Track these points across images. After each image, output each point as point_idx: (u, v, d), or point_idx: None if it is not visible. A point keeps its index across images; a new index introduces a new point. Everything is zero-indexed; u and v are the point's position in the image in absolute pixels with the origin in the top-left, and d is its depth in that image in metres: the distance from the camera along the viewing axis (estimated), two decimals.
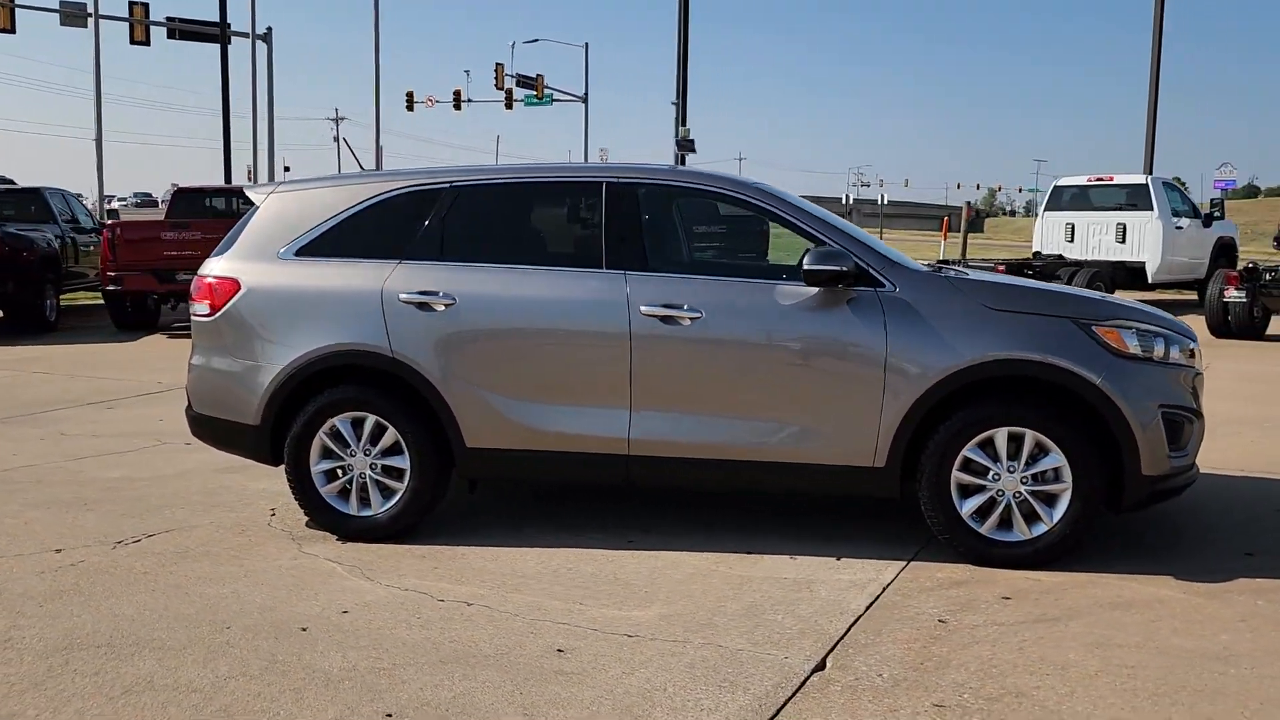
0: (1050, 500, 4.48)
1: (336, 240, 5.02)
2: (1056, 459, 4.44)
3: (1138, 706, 3.28)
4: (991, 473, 4.50)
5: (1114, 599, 4.19)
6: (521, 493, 5.74)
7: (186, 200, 16.24)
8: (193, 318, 5.22)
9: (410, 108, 47.34)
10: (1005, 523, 4.52)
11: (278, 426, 4.93)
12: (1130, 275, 16.09)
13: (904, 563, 4.58)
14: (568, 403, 4.78)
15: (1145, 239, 16.10)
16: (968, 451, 4.49)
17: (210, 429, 5.20)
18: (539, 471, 4.96)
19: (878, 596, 4.20)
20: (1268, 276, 13.21)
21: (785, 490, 5.07)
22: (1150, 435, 4.43)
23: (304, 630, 3.87)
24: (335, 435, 4.89)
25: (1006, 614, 4.04)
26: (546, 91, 45.90)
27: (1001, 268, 13.96)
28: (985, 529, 4.52)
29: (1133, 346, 4.49)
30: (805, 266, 4.53)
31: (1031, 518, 4.50)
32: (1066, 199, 17.48)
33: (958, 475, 4.51)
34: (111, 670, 3.52)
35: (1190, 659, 3.62)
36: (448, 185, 5.02)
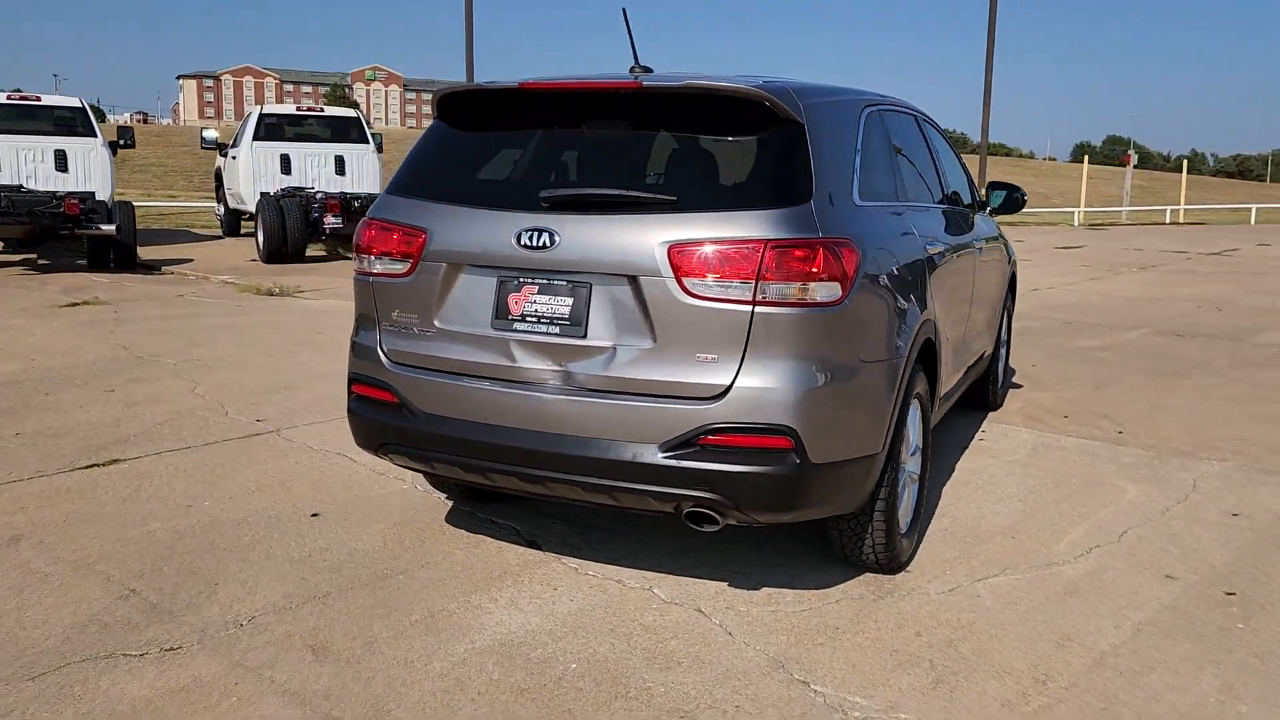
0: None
1: (866, 177, 3.70)
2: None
3: None
4: None
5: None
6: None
7: None
8: (777, 311, 3.09)
9: None
10: None
11: (891, 448, 3.52)
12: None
13: None
14: None
15: (364, 170, 17.05)
16: None
17: (839, 487, 3.30)
18: None
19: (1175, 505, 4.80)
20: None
21: None
22: None
23: None
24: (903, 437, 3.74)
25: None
26: None
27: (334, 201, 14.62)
28: None
29: None
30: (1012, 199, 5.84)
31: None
32: (271, 131, 16.93)
33: None
34: None
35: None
36: (878, 107, 4.32)
